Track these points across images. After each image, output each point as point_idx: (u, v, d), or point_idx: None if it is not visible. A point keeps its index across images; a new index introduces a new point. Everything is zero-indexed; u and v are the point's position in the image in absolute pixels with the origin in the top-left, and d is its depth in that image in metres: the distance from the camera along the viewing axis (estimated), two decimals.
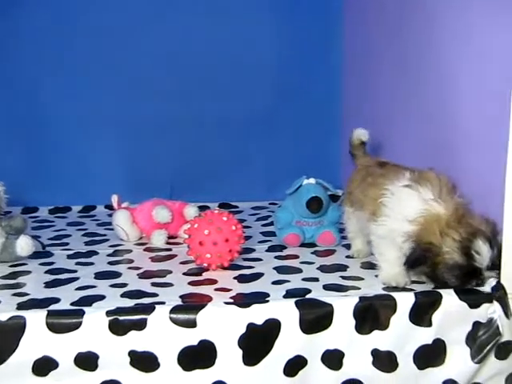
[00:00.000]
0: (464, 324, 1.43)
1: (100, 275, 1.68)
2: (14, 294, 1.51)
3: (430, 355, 1.43)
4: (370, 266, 1.70)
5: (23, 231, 1.89)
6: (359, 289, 1.53)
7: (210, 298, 1.47)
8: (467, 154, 1.71)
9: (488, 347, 1.41)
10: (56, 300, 1.46)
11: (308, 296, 1.47)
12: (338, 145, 2.89)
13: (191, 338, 1.34)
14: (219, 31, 2.73)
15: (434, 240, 1.44)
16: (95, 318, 1.33)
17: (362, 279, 1.62)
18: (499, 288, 1.44)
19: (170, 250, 1.98)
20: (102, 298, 1.48)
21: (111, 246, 2.02)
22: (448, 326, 1.42)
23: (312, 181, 2.03)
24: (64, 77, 2.68)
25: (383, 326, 1.40)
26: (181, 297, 1.48)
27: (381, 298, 1.43)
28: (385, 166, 1.76)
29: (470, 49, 1.67)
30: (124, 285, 1.59)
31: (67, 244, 2.05)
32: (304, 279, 1.63)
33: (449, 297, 1.43)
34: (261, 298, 1.45)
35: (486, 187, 1.54)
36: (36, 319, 1.31)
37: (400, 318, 1.41)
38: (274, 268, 1.74)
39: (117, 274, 1.69)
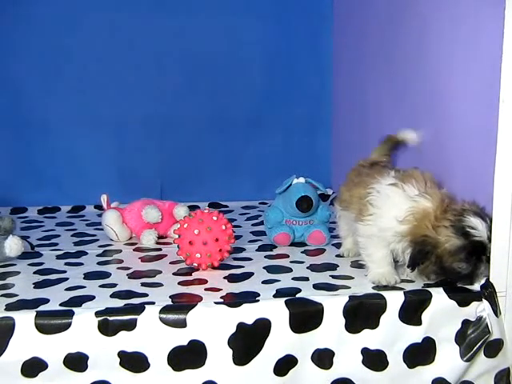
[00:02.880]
0: (453, 322, 1.43)
1: (89, 275, 1.68)
2: (3, 295, 1.50)
3: (420, 354, 1.43)
4: (360, 265, 1.70)
5: (12, 232, 1.88)
6: (349, 288, 1.54)
7: (200, 298, 1.47)
8: (456, 153, 1.72)
9: (477, 345, 1.42)
10: (45, 301, 1.45)
11: (298, 295, 1.47)
12: (328, 144, 2.90)
13: (181, 338, 1.34)
14: (208, 31, 2.73)
15: (428, 233, 1.45)
16: (85, 319, 1.32)
17: (352, 278, 1.62)
18: (488, 286, 1.45)
19: (159, 250, 1.98)
20: (91, 298, 1.47)
21: (100, 247, 2.01)
22: (437, 324, 1.43)
23: (302, 180, 2.03)
24: (53, 76, 2.67)
25: (373, 324, 1.41)
26: (171, 297, 1.48)
27: (371, 296, 1.44)
28: (373, 167, 1.76)
29: (457, 46, 1.68)
30: (114, 285, 1.59)
31: (56, 244, 2.03)
32: (294, 278, 1.63)
33: (438, 295, 1.43)
34: (251, 297, 1.45)
35: (474, 186, 1.55)
36: (25, 320, 1.31)
37: (390, 317, 1.41)
38: (264, 267, 1.74)
39: (106, 275, 1.68)
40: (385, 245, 1.55)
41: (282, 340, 1.37)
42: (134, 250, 1.99)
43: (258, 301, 1.41)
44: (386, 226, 1.52)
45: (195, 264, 1.71)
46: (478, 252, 1.44)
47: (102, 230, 2.14)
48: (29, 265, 1.78)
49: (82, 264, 1.80)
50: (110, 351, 1.33)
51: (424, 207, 1.47)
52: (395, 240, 1.51)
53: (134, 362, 1.34)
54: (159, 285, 1.59)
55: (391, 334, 1.42)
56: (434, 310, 1.42)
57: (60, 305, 1.42)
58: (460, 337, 1.43)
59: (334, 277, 1.64)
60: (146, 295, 1.50)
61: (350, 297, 1.42)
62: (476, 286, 1.47)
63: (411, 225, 1.47)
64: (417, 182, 1.53)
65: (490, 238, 1.43)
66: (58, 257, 1.87)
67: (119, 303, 1.42)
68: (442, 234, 1.44)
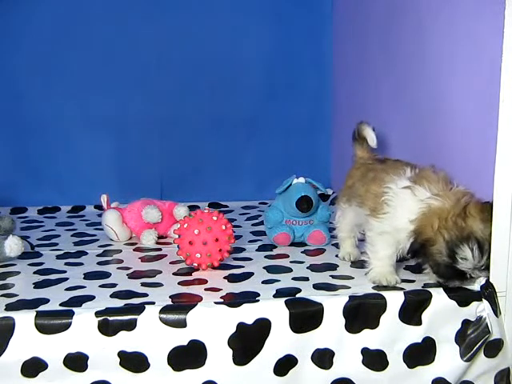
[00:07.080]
0: (453, 322, 1.43)
1: (89, 275, 1.68)
2: (3, 295, 1.50)
3: (420, 354, 1.43)
4: (360, 265, 1.70)
5: (12, 231, 1.88)
6: (349, 288, 1.54)
7: (200, 298, 1.47)
8: (456, 153, 1.72)
9: (477, 345, 1.42)
10: (45, 301, 1.45)
11: (298, 295, 1.47)
12: (328, 144, 2.91)
13: (181, 338, 1.34)
14: (208, 31, 2.74)
15: (431, 235, 1.44)
16: (85, 319, 1.32)
17: (352, 278, 1.62)
18: (488, 286, 1.45)
19: (159, 250, 1.98)
20: (91, 298, 1.47)
21: (100, 246, 2.01)
22: (437, 324, 1.43)
23: (302, 180, 2.03)
24: (53, 77, 2.67)
25: (373, 324, 1.41)
26: (171, 297, 1.48)
27: (371, 296, 1.44)
28: (385, 162, 1.74)
29: (457, 46, 1.68)
30: (113, 285, 1.59)
31: (56, 244, 2.03)
32: (294, 278, 1.63)
33: (438, 295, 1.43)
34: (251, 297, 1.45)
35: (474, 186, 1.54)
36: (25, 320, 1.31)
37: (390, 317, 1.41)
38: (264, 267, 1.74)
39: (106, 275, 1.68)
40: (393, 244, 1.55)
41: (281, 340, 1.37)
42: (134, 250, 1.99)
43: (258, 301, 1.41)
44: (400, 226, 1.51)
45: (195, 264, 1.71)
46: (458, 276, 1.45)
47: (102, 229, 2.14)
48: (29, 265, 1.78)
49: (82, 264, 1.80)
50: (110, 351, 1.33)
51: (436, 206, 1.46)
52: (406, 239, 1.51)
53: (134, 362, 1.33)
54: (159, 285, 1.59)
55: (391, 333, 1.42)
56: (434, 310, 1.42)
57: (60, 305, 1.42)
58: (460, 337, 1.43)
59: (334, 277, 1.64)
60: (146, 295, 1.50)
61: (350, 297, 1.41)
62: (476, 286, 1.47)
63: (420, 222, 1.47)
64: (430, 183, 1.52)
65: (479, 269, 1.43)
66: (58, 257, 1.87)
67: (119, 303, 1.42)
68: (439, 242, 1.43)
